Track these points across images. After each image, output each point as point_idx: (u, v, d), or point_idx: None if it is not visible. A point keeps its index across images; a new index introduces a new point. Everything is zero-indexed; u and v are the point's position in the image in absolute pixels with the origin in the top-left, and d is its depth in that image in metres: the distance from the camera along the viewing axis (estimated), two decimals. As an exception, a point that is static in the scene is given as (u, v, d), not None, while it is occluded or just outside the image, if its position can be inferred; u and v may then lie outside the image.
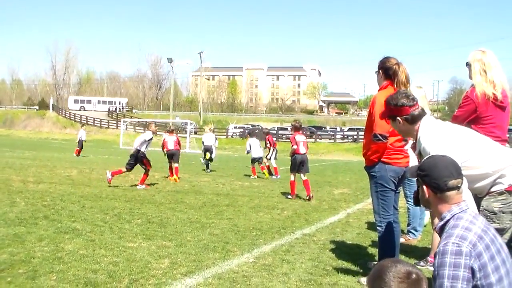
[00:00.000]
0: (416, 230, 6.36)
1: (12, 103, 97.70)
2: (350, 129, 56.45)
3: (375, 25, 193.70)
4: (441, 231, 2.27)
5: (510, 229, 3.08)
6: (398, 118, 3.29)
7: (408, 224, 6.45)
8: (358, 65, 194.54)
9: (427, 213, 6.36)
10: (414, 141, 3.30)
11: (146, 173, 11.67)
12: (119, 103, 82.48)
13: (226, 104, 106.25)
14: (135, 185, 11.47)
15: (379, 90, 4.43)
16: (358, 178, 15.80)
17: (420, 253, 5.62)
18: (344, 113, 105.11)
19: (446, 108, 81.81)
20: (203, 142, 17.82)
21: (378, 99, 4.18)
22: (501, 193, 3.00)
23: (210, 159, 17.60)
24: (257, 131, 37.43)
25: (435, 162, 2.34)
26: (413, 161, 4.61)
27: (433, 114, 9.20)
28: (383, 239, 4.40)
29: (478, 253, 2.05)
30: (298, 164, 10.35)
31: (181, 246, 5.53)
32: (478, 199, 3.06)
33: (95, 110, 75.99)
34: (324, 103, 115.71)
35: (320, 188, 12.67)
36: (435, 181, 2.28)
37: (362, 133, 4.89)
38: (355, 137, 47.34)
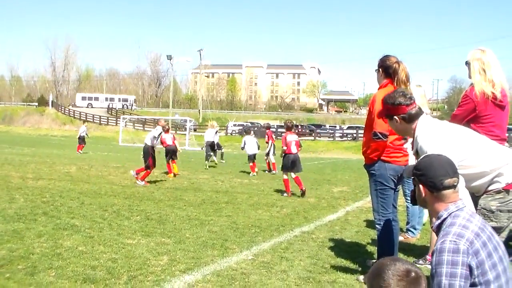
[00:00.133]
0: (415, 229, 6.37)
1: (11, 99, 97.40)
2: (349, 128, 56.48)
3: (375, 23, 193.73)
4: (438, 229, 2.28)
5: (508, 227, 3.09)
6: (395, 117, 3.29)
7: (407, 223, 6.46)
8: (357, 63, 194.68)
9: (426, 212, 6.36)
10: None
11: (148, 170, 11.71)
12: (127, 100, 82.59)
13: (226, 102, 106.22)
14: (136, 180, 11.48)
15: (379, 89, 4.43)
16: (357, 176, 15.80)
17: (419, 251, 5.63)
18: (344, 112, 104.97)
19: (446, 107, 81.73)
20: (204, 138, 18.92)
21: (378, 98, 4.18)
22: (498, 192, 3.01)
23: (214, 152, 18.63)
24: (256, 128, 37.41)
25: (430, 161, 2.35)
26: (412, 159, 4.62)
27: (432, 113, 9.22)
28: (382, 237, 4.41)
29: (475, 250, 2.06)
30: (290, 164, 10.44)
31: (180, 243, 5.54)
32: (475, 198, 3.07)
33: (101, 107, 75.88)
34: (324, 101, 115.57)
35: (319, 186, 12.68)
36: (431, 180, 2.29)
37: (362, 131, 4.89)
38: (354, 135, 47.28)
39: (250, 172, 15.81)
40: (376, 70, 4.51)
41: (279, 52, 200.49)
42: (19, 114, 75.84)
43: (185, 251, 5.20)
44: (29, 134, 59.29)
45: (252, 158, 16.27)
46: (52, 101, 79.93)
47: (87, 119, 61.57)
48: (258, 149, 17.07)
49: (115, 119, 63.05)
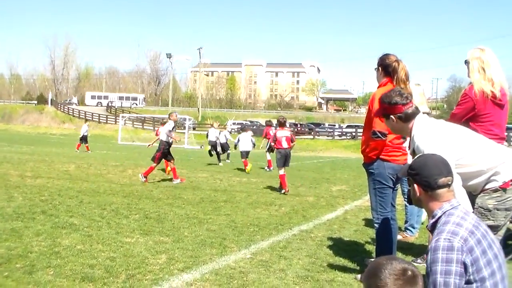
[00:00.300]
0: (413, 227, 6.37)
1: (10, 97, 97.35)
2: (348, 126, 56.49)
3: (374, 22, 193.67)
4: (433, 228, 2.30)
5: (505, 226, 3.09)
6: (392, 116, 3.29)
7: (406, 221, 6.46)
8: (357, 62, 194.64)
9: (425, 211, 6.37)
10: None
11: (152, 166, 11.82)
12: (136, 99, 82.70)
13: (225, 100, 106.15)
14: (141, 174, 11.61)
15: (378, 87, 4.43)
16: (356, 175, 15.80)
17: (417, 250, 5.63)
18: (343, 110, 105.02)
19: (445, 106, 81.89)
20: (207, 136, 19.54)
21: (377, 96, 4.17)
22: (495, 190, 3.02)
23: (217, 153, 19.06)
24: (254, 127, 37.50)
25: (425, 160, 2.37)
26: (411, 158, 4.62)
27: (431, 112, 9.22)
28: (380, 236, 4.41)
29: (469, 248, 2.07)
30: (284, 158, 10.68)
31: (178, 242, 5.54)
32: (472, 196, 3.07)
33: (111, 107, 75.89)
34: (323, 100, 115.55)
35: (318, 185, 12.68)
36: (425, 179, 2.31)
37: (361, 130, 4.90)
38: (353, 134, 47.32)
39: (244, 169, 16.24)
40: (375, 68, 4.51)
41: (278, 51, 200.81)
42: (18, 112, 75.71)
43: (183, 249, 5.20)
44: (28, 132, 59.25)
45: (244, 155, 16.95)
46: (51, 99, 79.87)
47: (86, 118, 61.55)
48: (254, 147, 17.49)
49: (114, 117, 63.02)
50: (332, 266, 4.77)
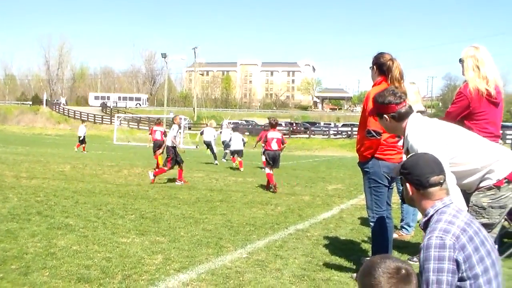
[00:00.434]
0: (409, 226, 6.38)
1: (5, 98, 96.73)
2: (344, 125, 56.52)
3: (369, 21, 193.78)
4: (425, 227, 2.31)
5: (500, 224, 3.10)
6: (385, 115, 3.30)
7: (402, 220, 6.47)
8: (352, 61, 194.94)
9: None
10: None
11: (164, 168, 12.00)
12: (139, 99, 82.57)
13: (220, 100, 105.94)
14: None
15: (373, 86, 4.43)
16: (352, 174, 15.83)
17: (413, 248, 5.64)
18: (338, 109, 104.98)
19: (440, 104, 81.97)
20: (202, 135, 20.17)
21: (371, 95, 4.17)
22: (489, 188, 3.03)
23: (213, 152, 19.48)
24: (249, 126, 37.52)
25: (416, 160, 2.39)
26: (405, 158, 4.63)
27: (427, 110, 9.25)
28: (376, 235, 4.42)
29: (461, 245, 2.08)
30: (271, 159, 10.88)
31: (174, 242, 5.53)
32: (467, 195, 3.08)
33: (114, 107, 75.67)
34: (318, 99, 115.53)
35: (313, 184, 12.70)
36: (417, 178, 2.32)
37: (356, 129, 4.89)
38: (349, 133, 47.38)
39: (238, 167, 16.68)
40: (370, 67, 4.51)
41: (273, 50, 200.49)
42: (13, 113, 75.38)
43: (179, 249, 5.20)
44: (23, 133, 59.00)
45: (232, 152, 17.70)
46: (46, 99, 79.56)
47: (82, 118, 61.36)
48: (244, 146, 17.87)
49: (109, 117, 62.84)
50: (328, 265, 4.77)
